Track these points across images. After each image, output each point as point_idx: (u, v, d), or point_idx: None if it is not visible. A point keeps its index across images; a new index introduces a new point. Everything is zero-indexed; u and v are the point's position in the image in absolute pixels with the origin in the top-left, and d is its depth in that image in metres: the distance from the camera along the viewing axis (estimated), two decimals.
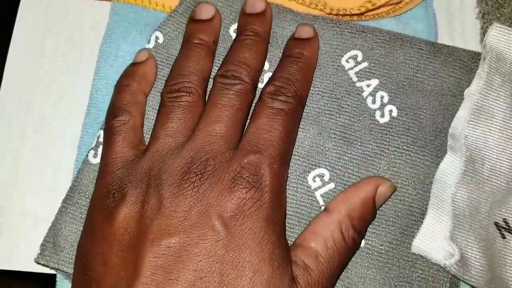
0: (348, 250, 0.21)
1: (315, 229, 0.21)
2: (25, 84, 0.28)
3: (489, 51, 0.25)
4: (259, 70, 0.24)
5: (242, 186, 0.20)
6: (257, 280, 0.19)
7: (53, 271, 0.25)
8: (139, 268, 0.19)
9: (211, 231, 0.20)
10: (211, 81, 0.25)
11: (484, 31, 0.26)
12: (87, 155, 0.24)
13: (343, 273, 0.23)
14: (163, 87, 0.24)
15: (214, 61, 0.25)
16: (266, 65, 0.25)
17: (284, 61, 0.24)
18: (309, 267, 0.20)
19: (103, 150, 0.23)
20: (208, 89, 0.24)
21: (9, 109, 0.28)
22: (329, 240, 0.21)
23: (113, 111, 0.24)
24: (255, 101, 0.24)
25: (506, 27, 0.25)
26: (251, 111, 0.23)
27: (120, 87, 0.24)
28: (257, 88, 0.25)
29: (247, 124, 0.23)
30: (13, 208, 0.26)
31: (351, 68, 0.25)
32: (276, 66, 0.24)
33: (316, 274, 0.20)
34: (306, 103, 0.25)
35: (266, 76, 0.25)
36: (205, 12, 0.25)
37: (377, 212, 0.23)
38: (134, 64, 0.25)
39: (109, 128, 0.23)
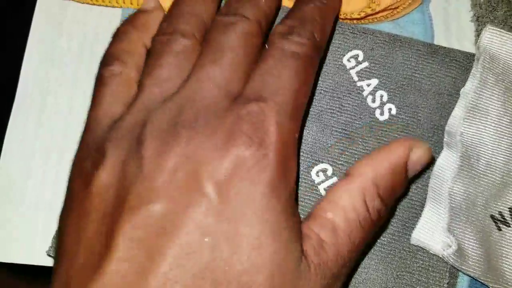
0: (372, 225, 0.18)
1: (334, 197, 0.18)
2: (39, 89, 0.29)
3: (482, 52, 0.26)
4: (269, 15, 0.20)
5: (240, 142, 0.16)
6: (257, 257, 0.15)
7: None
8: (113, 242, 0.15)
9: (201, 196, 0.16)
10: None
11: (478, 33, 0.28)
12: None
13: None
14: None
15: None
16: None
17: (299, 1, 0.20)
18: (325, 242, 0.17)
19: (90, 103, 0.20)
20: None
21: (24, 112, 0.28)
22: (350, 211, 0.17)
23: (105, 59, 0.20)
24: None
25: (499, 29, 0.26)
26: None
27: (117, 33, 0.21)
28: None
29: (252, 71, 0.19)
30: (26, 203, 0.27)
31: (352, 68, 0.26)
32: None
33: (333, 250, 0.17)
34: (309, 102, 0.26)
35: None
36: None
37: None
38: (138, 12, 0.22)
39: (98, 78, 0.20)
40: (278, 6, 0.21)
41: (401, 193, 0.19)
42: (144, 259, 0.15)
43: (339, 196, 0.18)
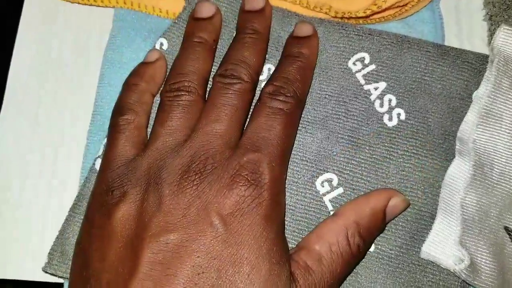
0: (352, 257, 0.21)
1: (321, 233, 0.21)
2: (29, 91, 0.28)
3: (496, 54, 0.24)
4: (259, 69, 0.24)
5: (241, 184, 0.20)
6: (255, 276, 0.19)
7: (60, 280, 0.25)
8: (137, 264, 0.19)
9: (209, 227, 0.20)
10: (211, 80, 0.24)
11: (491, 33, 0.26)
12: (93, 163, 0.24)
13: (353, 277, 0.22)
14: None
15: (215, 60, 0.25)
16: (272, 70, 0.25)
17: (283, 60, 0.24)
18: (311, 268, 0.20)
19: (105, 147, 0.23)
20: (209, 88, 0.24)
21: (14, 116, 0.27)
22: (333, 244, 0.21)
23: (119, 109, 0.24)
24: (255, 100, 0.24)
25: None
26: (251, 110, 0.23)
27: (128, 85, 0.24)
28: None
29: (247, 124, 0.23)
30: (19, 217, 0.26)
31: (359, 71, 0.25)
32: None
33: (318, 276, 0.20)
34: (314, 107, 0.24)
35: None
36: (206, 11, 0.25)
37: None
38: (143, 64, 0.25)
39: (113, 126, 0.23)
40: (264, 55, 0.25)
41: (379, 234, 0.23)
42: (163, 278, 0.19)
43: (325, 232, 0.21)
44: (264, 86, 0.23)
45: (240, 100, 0.23)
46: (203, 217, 0.20)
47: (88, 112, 0.27)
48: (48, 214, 0.26)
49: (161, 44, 0.26)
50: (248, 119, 0.23)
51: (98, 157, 0.24)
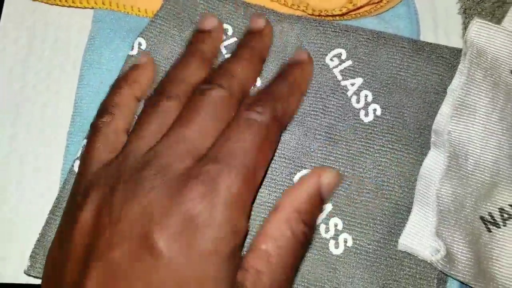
0: (300, 246, 0.20)
1: (265, 230, 0.20)
2: (9, 93, 0.28)
3: (469, 46, 0.25)
4: (247, 84, 0.23)
5: (190, 198, 0.18)
6: None
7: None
8: (84, 284, 0.18)
9: (150, 249, 0.18)
10: None
11: (465, 26, 0.27)
12: (72, 165, 0.24)
13: (331, 273, 0.23)
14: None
15: None
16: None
17: (273, 78, 0.24)
18: (260, 272, 0.19)
19: (83, 149, 0.23)
20: None
21: None
22: (279, 239, 0.20)
23: (99, 111, 0.24)
24: None
25: (487, 22, 0.25)
26: None
27: (112, 88, 0.24)
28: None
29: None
30: (0, 220, 0.26)
31: (336, 67, 0.25)
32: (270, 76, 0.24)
33: (269, 277, 0.19)
34: None
35: None
36: (206, 23, 0.25)
37: (365, 211, 0.23)
38: (131, 67, 0.25)
39: (92, 128, 0.23)
40: (256, 72, 0.24)
41: (320, 213, 0.22)
42: None
43: (269, 227, 0.20)
44: (245, 99, 0.22)
45: (215, 108, 0.21)
46: (146, 236, 0.18)
47: (69, 113, 0.27)
48: (29, 217, 0.26)
49: (139, 44, 0.26)
50: None
51: (77, 158, 0.24)
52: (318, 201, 0.21)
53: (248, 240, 0.22)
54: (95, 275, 0.18)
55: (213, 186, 0.19)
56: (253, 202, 0.21)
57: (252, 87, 0.24)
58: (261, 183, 0.22)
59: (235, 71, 0.23)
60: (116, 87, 0.24)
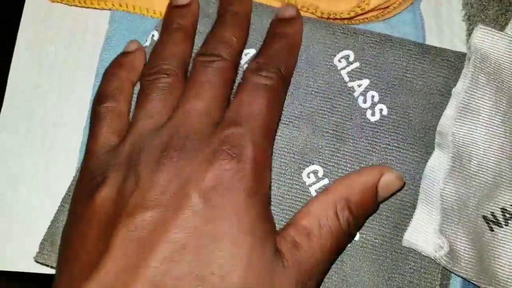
0: (342, 233, 0.21)
1: (309, 208, 0.21)
2: (28, 91, 0.29)
3: (474, 52, 0.26)
4: (239, 48, 0.24)
5: (221, 158, 0.20)
6: (236, 251, 0.18)
7: (52, 271, 0.25)
8: (111, 243, 0.18)
9: (188, 203, 0.19)
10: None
11: (469, 33, 0.27)
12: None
13: (338, 265, 0.23)
14: None
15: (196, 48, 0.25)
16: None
17: (267, 39, 0.24)
18: (299, 244, 0.20)
19: (88, 136, 0.23)
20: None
21: (13, 115, 0.28)
22: (322, 218, 0.20)
23: (99, 98, 0.24)
24: (237, 81, 0.24)
25: (490, 29, 0.26)
26: (234, 91, 0.23)
27: (107, 74, 0.25)
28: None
29: (230, 102, 0.23)
30: (13, 209, 0.27)
31: (343, 68, 0.26)
32: None
33: (306, 251, 0.20)
34: (301, 103, 0.25)
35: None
36: None
37: None
38: (122, 53, 0.26)
39: (94, 114, 0.23)
40: (245, 34, 0.25)
41: (371, 212, 0.22)
42: (138, 255, 0.18)
43: (314, 207, 0.21)
44: (249, 64, 0.23)
45: (220, 77, 0.23)
46: (182, 193, 0.19)
47: (85, 112, 0.27)
48: (43, 206, 0.26)
49: (153, 35, 0.27)
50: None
51: None
52: (371, 197, 0.21)
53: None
54: (125, 233, 0.18)
55: (240, 145, 0.20)
56: (271, 157, 0.23)
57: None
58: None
59: (228, 39, 0.24)
60: (111, 73, 0.25)
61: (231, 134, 0.21)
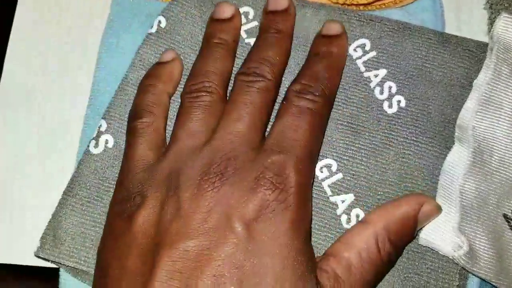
0: (382, 264, 0.20)
1: (350, 240, 0.20)
2: (26, 75, 0.28)
3: (496, 42, 0.24)
4: (282, 68, 0.24)
5: (265, 187, 0.19)
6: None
7: (54, 265, 0.24)
8: (154, 272, 0.18)
9: (231, 234, 0.19)
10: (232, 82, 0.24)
11: (491, 22, 0.26)
12: (88, 145, 0.24)
13: None
14: (182, 87, 0.23)
15: (237, 62, 0.25)
16: None
17: (311, 59, 0.24)
18: (340, 277, 0.19)
19: (125, 152, 0.23)
20: (230, 90, 0.23)
21: (11, 101, 0.27)
22: (363, 251, 0.20)
23: (136, 112, 0.23)
24: (278, 100, 0.23)
25: None
26: (274, 111, 0.23)
27: (143, 86, 0.24)
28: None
29: (272, 124, 0.22)
30: (14, 201, 0.26)
31: (359, 58, 0.25)
32: (293, 62, 0.24)
33: (347, 285, 0.19)
34: None
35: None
36: (225, 11, 0.25)
37: None
38: (159, 64, 0.25)
39: (131, 130, 0.23)
40: (288, 54, 0.24)
41: (410, 241, 0.22)
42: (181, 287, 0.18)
43: (354, 238, 0.21)
44: (291, 84, 0.23)
45: (262, 98, 0.22)
46: (224, 223, 0.19)
47: (86, 96, 0.26)
48: (43, 198, 0.26)
49: (159, 22, 0.25)
50: (273, 120, 0.22)
51: (93, 139, 0.24)
52: (411, 226, 0.21)
53: None
54: (166, 264, 0.18)
55: (283, 175, 0.20)
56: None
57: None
58: None
59: (272, 59, 0.23)
60: (147, 84, 0.24)
61: (275, 161, 0.20)
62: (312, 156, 0.21)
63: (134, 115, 0.23)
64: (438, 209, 0.22)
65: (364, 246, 0.20)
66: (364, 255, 0.20)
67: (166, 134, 0.23)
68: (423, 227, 0.23)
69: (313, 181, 0.22)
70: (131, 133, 0.23)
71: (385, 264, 0.21)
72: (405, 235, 0.21)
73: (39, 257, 0.23)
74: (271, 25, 0.24)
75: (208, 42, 0.24)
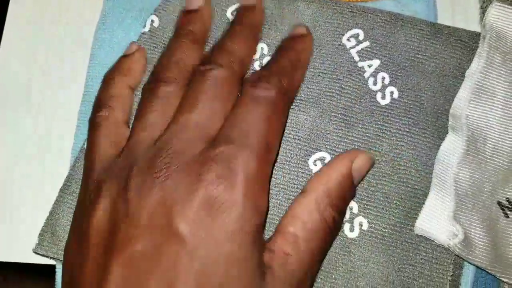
0: (329, 231, 0.20)
1: (293, 212, 0.20)
2: (20, 72, 0.28)
3: (488, 30, 0.24)
4: (246, 61, 0.23)
5: (209, 182, 0.18)
6: (226, 286, 0.18)
7: (51, 262, 0.25)
8: (106, 279, 0.18)
9: (174, 236, 0.18)
10: None
11: (483, 10, 0.26)
12: (83, 143, 0.24)
13: (345, 256, 0.22)
14: None
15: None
16: (265, 49, 0.25)
17: (274, 54, 0.23)
18: (289, 254, 0.19)
19: (86, 146, 0.22)
20: None
21: (5, 98, 0.27)
22: (308, 222, 0.20)
23: (95, 106, 0.23)
24: None
25: (506, 5, 0.24)
26: None
27: (104, 80, 0.24)
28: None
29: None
30: (10, 198, 0.26)
31: (353, 47, 0.25)
32: (274, 48, 0.24)
33: (297, 260, 0.19)
34: (307, 85, 0.24)
35: (265, 60, 0.25)
36: (193, 3, 0.24)
37: (381, 195, 0.23)
38: (122, 57, 0.24)
39: (90, 123, 0.23)
40: (253, 49, 0.24)
41: (351, 198, 0.22)
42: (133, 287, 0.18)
43: (298, 211, 0.20)
44: (248, 76, 0.22)
45: (219, 88, 0.21)
46: (167, 224, 0.18)
47: (79, 92, 0.26)
48: (40, 196, 0.26)
49: (152, 21, 0.25)
50: None
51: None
52: (349, 186, 0.21)
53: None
54: (117, 270, 0.18)
55: (230, 167, 0.19)
56: (270, 180, 0.21)
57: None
58: (275, 161, 0.21)
59: (232, 49, 0.22)
60: (109, 78, 0.24)
61: (222, 153, 0.19)
62: (266, 147, 0.20)
63: (94, 108, 0.23)
64: (369, 160, 0.22)
65: (307, 216, 0.20)
66: (309, 226, 0.20)
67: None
68: (420, 219, 0.23)
69: (271, 174, 0.21)
70: (90, 126, 0.22)
71: (332, 229, 0.20)
72: (345, 196, 0.21)
73: (37, 253, 0.23)
74: (238, 18, 0.24)
75: (174, 33, 0.24)
